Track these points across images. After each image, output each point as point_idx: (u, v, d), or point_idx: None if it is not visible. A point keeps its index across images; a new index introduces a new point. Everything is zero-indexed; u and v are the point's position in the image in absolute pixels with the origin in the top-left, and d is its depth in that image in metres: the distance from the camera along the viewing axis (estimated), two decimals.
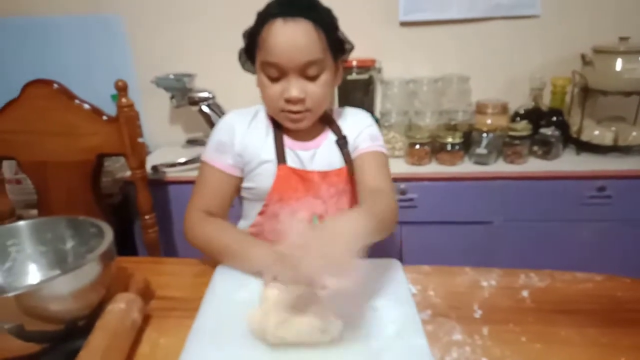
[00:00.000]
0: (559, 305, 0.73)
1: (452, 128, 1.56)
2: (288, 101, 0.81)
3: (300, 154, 0.90)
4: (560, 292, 0.76)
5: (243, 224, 0.98)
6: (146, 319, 0.71)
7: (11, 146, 1.29)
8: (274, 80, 0.81)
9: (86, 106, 1.25)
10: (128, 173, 1.45)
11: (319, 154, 0.91)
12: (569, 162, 1.50)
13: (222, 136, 0.90)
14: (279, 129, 0.90)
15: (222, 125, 0.92)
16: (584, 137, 1.53)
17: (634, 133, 1.48)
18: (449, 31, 1.66)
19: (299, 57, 0.77)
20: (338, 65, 0.87)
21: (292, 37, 0.76)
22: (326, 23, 0.80)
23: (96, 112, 1.25)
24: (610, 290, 0.76)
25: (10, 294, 0.58)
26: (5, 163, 1.38)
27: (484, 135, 1.49)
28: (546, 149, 1.52)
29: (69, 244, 0.80)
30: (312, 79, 0.81)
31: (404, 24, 1.66)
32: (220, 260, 0.82)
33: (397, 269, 0.80)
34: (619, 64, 1.45)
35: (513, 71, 1.68)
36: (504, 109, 1.57)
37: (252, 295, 0.72)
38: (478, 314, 0.72)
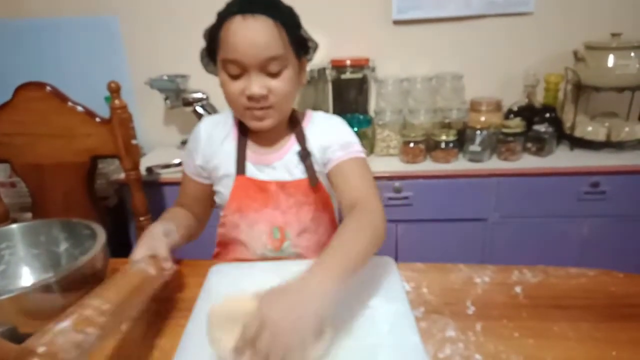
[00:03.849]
0: (553, 300, 0.73)
1: (446, 126, 1.57)
2: (250, 98, 0.79)
3: (260, 167, 0.89)
4: (553, 287, 0.77)
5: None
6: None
7: (5, 149, 1.29)
8: (235, 77, 0.79)
9: (79, 108, 1.25)
10: (122, 175, 1.44)
11: (280, 165, 0.89)
12: (562, 158, 1.51)
13: (190, 145, 0.93)
14: (244, 134, 0.89)
15: (193, 134, 0.93)
16: (577, 133, 1.54)
17: (627, 129, 1.49)
18: (442, 29, 1.67)
19: (259, 52, 0.76)
20: (302, 63, 0.86)
21: (251, 33, 0.76)
22: (287, 20, 0.79)
23: (89, 114, 1.25)
24: (603, 285, 0.76)
25: (3, 297, 0.58)
26: None
27: (478, 132, 1.49)
28: (540, 146, 1.52)
29: (63, 247, 0.80)
30: (274, 75, 0.79)
31: (397, 22, 1.67)
32: None
33: (391, 267, 0.80)
34: (611, 60, 1.46)
35: (506, 68, 1.69)
36: (497, 106, 1.58)
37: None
38: (471, 310, 0.72)
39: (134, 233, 1.51)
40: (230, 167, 0.88)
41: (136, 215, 1.33)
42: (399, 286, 0.75)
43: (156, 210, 1.48)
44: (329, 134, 0.89)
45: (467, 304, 0.73)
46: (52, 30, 1.76)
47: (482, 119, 1.55)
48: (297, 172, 0.88)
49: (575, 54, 1.54)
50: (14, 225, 0.80)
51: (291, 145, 0.89)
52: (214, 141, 0.90)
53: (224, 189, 0.90)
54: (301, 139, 0.89)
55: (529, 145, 1.54)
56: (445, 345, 0.64)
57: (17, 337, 0.60)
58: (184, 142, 1.82)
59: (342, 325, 0.65)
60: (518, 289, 0.77)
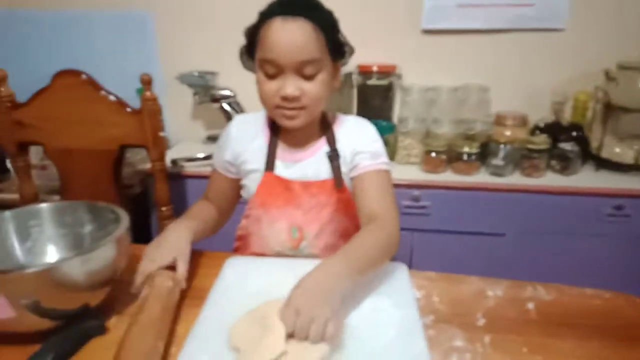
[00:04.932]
0: (564, 318, 0.72)
1: (469, 138, 1.56)
2: (284, 98, 0.81)
3: (289, 164, 0.90)
4: (566, 306, 0.76)
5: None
6: None
7: (39, 133, 1.34)
8: (271, 77, 0.81)
9: (111, 97, 1.29)
10: (148, 165, 1.48)
11: (308, 164, 0.90)
12: (587, 178, 1.48)
13: (221, 141, 0.96)
14: (275, 134, 0.91)
15: (225, 131, 0.96)
16: (604, 154, 1.51)
17: None
18: (471, 40, 1.66)
19: (296, 55, 0.77)
20: (337, 67, 0.87)
21: (290, 35, 0.77)
22: (326, 24, 0.80)
23: (120, 103, 1.29)
24: (618, 308, 0.75)
25: (29, 270, 0.61)
26: (32, 149, 1.43)
27: (502, 146, 1.48)
28: (564, 164, 1.50)
29: (87, 228, 0.83)
30: (309, 78, 0.80)
31: (426, 31, 1.67)
32: None
33: (403, 273, 0.81)
34: None
35: (534, 83, 1.67)
36: (523, 121, 1.56)
37: (260, 288, 0.74)
38: (481, 322, 0.72)
39: (155, 222, 1.54)
40: (260, 162, 0.91)
41: (158, 205, 1.37)
42: (409, 292, 0.75)
43: (178, 202, 1.52)
44: (361, 139, 0.90)
45: (477, 315, 0.73)
46: (88, 22, 1.82)
47: (507, 133, 1.53)
48: (324, 172, 0.90)
49: (606, 73, 1.52)
50: (43, 205, 0.83)
51: (321, 145, 0.91)
52: (245, 138, 0.93)
53: (251, 183, 0.92)
54: (331, 141, 0.90)
55: (553, 162, 1.52)
56: (452, 354, 0.64)
57: (40, 309, 0.63)
58: (209, 138, 1.86)
59: (349, 326, 0.66)
60: (530, 305, 0.76)
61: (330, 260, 0.69)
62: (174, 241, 0.79)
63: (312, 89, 0.81)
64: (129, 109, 1.29)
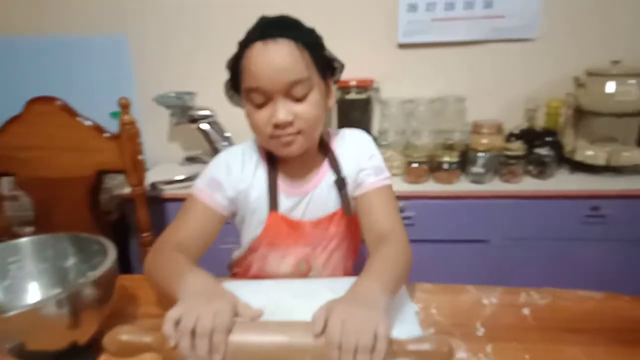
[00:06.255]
0: (562, 323, 0.73)
1: (448, 147, 1.58)
2: (277, 126, 0.75)
3: (294, 199, 0.86)
4: (562, 310, 0.77)
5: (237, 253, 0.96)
6: None
7: (11, 162, 1.29)
8: (260, 106, 0.76)
9: (88, 123, 1.26)
10: (126, 190, 1.44)
11: (315, 199, 0.86)
12: (563, 181, 1.52)
13: (217, 175, 0.85)
14: (273, 167, 0.86)
15: (219, 164, 0.87)
16: (578, 157, 1.56)
17: (626, 153, 1.51)
18: (446, 53, 1.70)
19: (282, 77, 0.73)
20: (329, 84, 0.82)
21: (272, 58, 0.73)
22: (309, 41, 0.76)
23: (97, 129, 1.26)
24: (612, 309, 0.76)
25: (12, 313, 0.57)
26: (3, 180, 1.37)
27: (480, 154, 1.51)
28: (541, 169, 1.54)
29: (71, 261, 0.80)
30: (300, 99, 0.76)
31: (402, 45, 1.70)
32: (161, 290, 0.72)
33: (401, 288, 0.80)
34: (610, 87, 1.49)
35: (509, 92, 1.72)
36: (499, 129, 1.60)
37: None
38: (481, 331, 0.72)
39: (136, 249, 1.50)
40: (263, 200, 0.85)
41: (140, 230, 1.33)
42: (409, 307, 0.75)
43: (158, 227, 1.48)
44: (362, 155, 0.87)
45: (476, 325, 0.73)
46: (63, 48, 1.78)
47: (484, 141, 1.56)
48: (332, 203, 0.87)
49: (576, 80, 1.58)
50: (23, 239, 0.79)
51: (325, 172, 0.87)
52: (245, 172, 0.86)
53: (256, 222, 0.86)
54: (334, 164, 0.86)
55: (530, 168, 1.55)
56: None
57: (25, 353, 0.60)
58: (188, 159, 1.83)
59: None
60: (526, 311, 0.77)
61: (364, 280, 0.66)
62: (210, 292, 0.63)
63: (305, 111, 0.76)
64: (106, 134, 1.26)
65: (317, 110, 0.78)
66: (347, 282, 0.81)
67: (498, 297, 0.81)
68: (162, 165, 1.82)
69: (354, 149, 0.89)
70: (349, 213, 0.87)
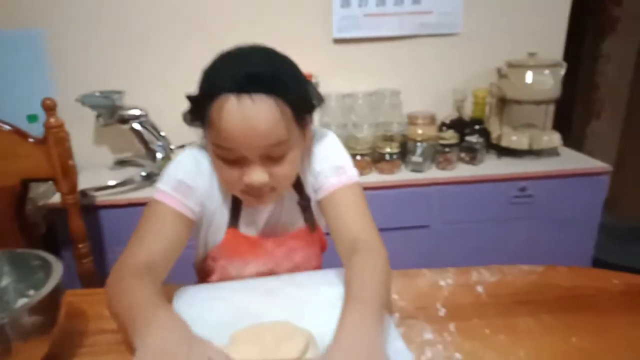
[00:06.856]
0: (513, 297, 0.79)
1: (388, 139, 1.64)
2: (249, 186, 0.70)
3: (257, 216, 0.82)
4: (510, 285, 0.83)
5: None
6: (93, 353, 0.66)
7: None
8: (231, 163, 0.69)
9: (7, 127, 1.13)
10: (54, 199, 1.33)
11: (278, 216, 0.82)
12: (492, 166, 1.64)
13: (185, 177, 0.75)
14: None
15: (184, 165, 0.77)
16: (504, 143, 1.68)
17: (545, 137, 1.65)
18: (380, 48, 1.75)
19: (259, 142, 0.65)
20: (306, 130, 0.73)
21: (248, 119, 0.63)
22: (292, 94, 0.67)
23: (20, 133, 1.14)
24: (553, 280, 0.84)
25: None
26: None
27: (418, 144, 1.58)
28: (472, 155, 1.64)
29: (6, 281, 0.72)
30: (277, 159, 0.69)
31: (338, 40, 1.72)
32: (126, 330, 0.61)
33: None
34: (529, 77, 1.62)
35: (438, 84, 1.81)
36: (432, 119, 1.67)
37: (207, 332, 0.61)
38: (442, 312, 0.76)
39: (71, 261, 1.38)
40: (220, 214, 0.80)
41: (75, 242, 1.23)
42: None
43: (93, 238, 1.38)
44: (320, 158, 0.80)
45: (437, 306, 0.77)
46: None
47: (420, 131, 1.63)
48: (295, 219, 0.84)
49: (498, 71, 1.70)
50: None
51: (288, 192, 0.82)
52: (203, 178, 0.78)
53: (213, 233, 0.82)
54: (298, 185, 0.81)
55: (463, 155, 1.65)
56: (425, 348, 0.67)
57: None
58: (118, 162, 1.72)
59: (322, 339, 0.63)
60: (480, 289, 0.82)
61: (352, 312, 0.60)
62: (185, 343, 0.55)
63: (281, 171, 0.70)
64: (31, 139, 1.14)
65: (294, 168, 0.74)
66: (308, 276, 0.82)
67: (452, 278, 0.86)
68: (90, 170, 1.68)
69: (319, 152, 0.82)
70: (313, 229, 0.85)
